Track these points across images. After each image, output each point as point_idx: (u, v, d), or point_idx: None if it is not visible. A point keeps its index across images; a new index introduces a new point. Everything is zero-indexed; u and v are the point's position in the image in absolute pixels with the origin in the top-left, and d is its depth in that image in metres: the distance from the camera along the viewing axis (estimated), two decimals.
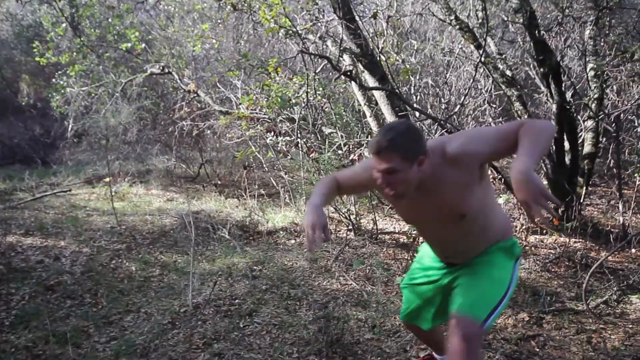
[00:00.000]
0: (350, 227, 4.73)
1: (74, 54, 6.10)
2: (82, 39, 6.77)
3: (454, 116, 4.48)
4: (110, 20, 6.23)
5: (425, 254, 1.98)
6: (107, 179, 6.04)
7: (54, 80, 6.79)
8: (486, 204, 1.67)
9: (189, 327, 2.89)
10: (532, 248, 4.25)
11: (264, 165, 5.75)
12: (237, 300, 3.26)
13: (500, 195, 4.54)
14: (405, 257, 4.03)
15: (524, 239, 4.30)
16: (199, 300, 3.25)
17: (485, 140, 1.56)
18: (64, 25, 6.29)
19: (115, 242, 4.45)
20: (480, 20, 4.99)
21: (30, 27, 13.80)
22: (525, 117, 4.71)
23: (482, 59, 4.41)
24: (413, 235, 4.03)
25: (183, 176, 7.72)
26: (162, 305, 3.27)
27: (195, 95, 5.74)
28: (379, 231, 4.70)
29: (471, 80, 4.49)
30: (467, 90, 4.24)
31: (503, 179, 4.61)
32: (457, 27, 4.84)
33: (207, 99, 5.58)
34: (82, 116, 6.43)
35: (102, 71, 6.42)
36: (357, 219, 4.74)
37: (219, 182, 6.72)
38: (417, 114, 4.62)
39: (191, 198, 6.41)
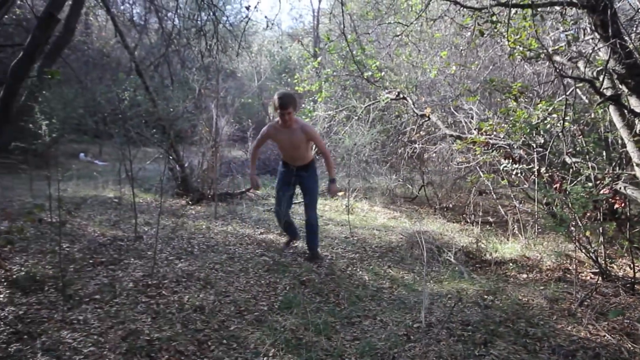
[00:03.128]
0: (598, 270, 4.15)
1: (323, 82, 7.06)
2: (327, 70, 7.79)
3: None
4: (354, 52, 6.99)
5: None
6: (341, 193, 6.75)
7: (303, 105, 7.95)
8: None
9: (424, 344, 2.98)
10: None
11: (492, 193, 5.54)
12: (469, 327, 3.22)
13: None
14: None
15: None
16: (432, 319, 3.32)
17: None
18: (319, 59, 7.35)
19: (349, 251, 4.92)
20: None
21: (282, 61, 16.60)
22: None
23: None
24: None
25: (403, 196, 8.04)
26: (395, 316, 3.46)
27: (426, 119, 5.95)
28: (637, 280, 3.99)
29: None
30: None
31: None
32: None
33: (439, 123, 5.71)
34: (325, 137, 7.36)
35: (343, 97, 7.23)
36: (607, 262, 4.13)
37: (441, 205, 6.75)
38: None
39: (412, 218, 6.62)
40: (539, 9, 4.37)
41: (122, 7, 15.95)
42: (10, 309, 2.70)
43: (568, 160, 4.66)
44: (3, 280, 3.01)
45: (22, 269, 3.29)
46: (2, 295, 2.84)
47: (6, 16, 7.68)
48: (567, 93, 4.15)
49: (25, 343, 2.41)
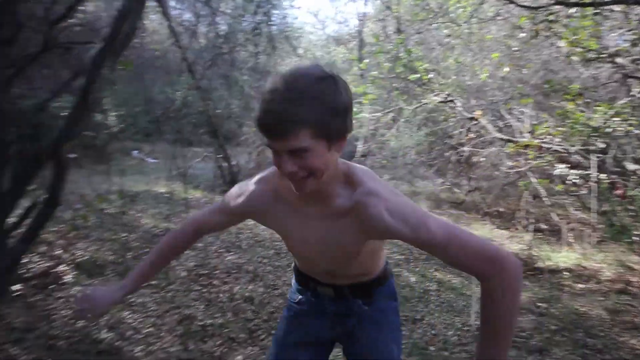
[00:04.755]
0: None
1: (369, 85, 7.05)
2: (373, 72, 7.77)
3: None
4: (401, 54, 6.94)
5: None
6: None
7: None
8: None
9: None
10: None
11: (546, 198, 5.34)
12: (522, 333, 3.11)
13: None
14: None
15: None
16: None
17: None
18: (365, 61, 7.37)
19: (395, 252, 4.87)
20: None
21: (327, 64, 16.68)
22: None
23: None
24: None
25: (449, 201, 7.88)
26: (444, 319, 3.39)
27: (475, 122, 5.82)
28: None
29: None
30: None
31: None
32: None
33: (489, 126, 5.57)
34: (370, 139, 7.35)
35: (389, 99, 7.19)
36: None
37: (489, 211, 6.58)
38: None
39: (459, 223, 6.48)
40: (601, 7, 4.19)
41: (173, 12, 16.58)
42: (76, 289, 2.86)
43: (631, 167, 4.43)
44: (70, 262, 3.20)
45: (85, 254, 3.48)
46: (70, 276, 3.01)
47: (70, 20, 8.16)
48: (633, 95, 3.96)
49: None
